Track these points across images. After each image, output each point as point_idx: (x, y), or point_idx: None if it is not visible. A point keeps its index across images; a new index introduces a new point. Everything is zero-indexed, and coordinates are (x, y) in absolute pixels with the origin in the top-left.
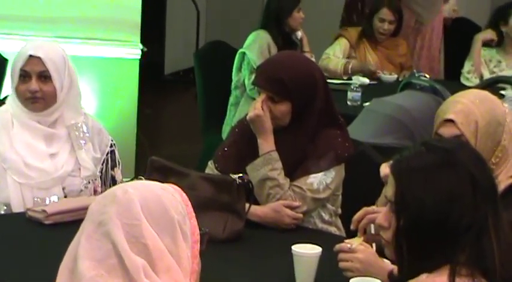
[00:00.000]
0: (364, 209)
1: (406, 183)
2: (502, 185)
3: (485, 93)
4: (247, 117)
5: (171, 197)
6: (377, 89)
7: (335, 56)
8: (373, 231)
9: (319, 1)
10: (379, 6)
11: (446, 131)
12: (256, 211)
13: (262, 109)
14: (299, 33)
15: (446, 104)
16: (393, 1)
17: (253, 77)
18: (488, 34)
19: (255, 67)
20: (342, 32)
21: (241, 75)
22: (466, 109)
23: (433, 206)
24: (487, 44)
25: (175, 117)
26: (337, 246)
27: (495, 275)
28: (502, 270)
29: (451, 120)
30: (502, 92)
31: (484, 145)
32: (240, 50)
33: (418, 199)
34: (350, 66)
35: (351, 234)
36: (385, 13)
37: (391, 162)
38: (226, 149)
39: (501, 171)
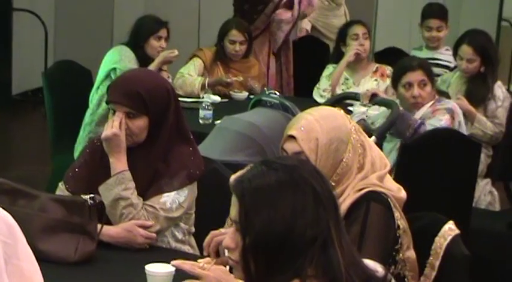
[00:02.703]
0: (211, 233)
1: (249, 203)
2: (348, 200)
3: (333, 111)
4: (102, 136)
5: None
6: (228, 107)
7: (189, 74)
8: (226, 253)
9: (178, 21)
10: (228, 29)
11: (289, 147)
12: (109, 231)
13: (120, 127)
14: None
15: (293, 120)
16: (241, 22)
17: None
18: (350, 57)
19: None
20: (197, 52)
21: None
22: (308, 126)
23: (278, 222)
24: (337, 61)
25: (24, 138)
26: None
27: None
28: (348, 277)
29: (293, 137)
30: (350, 108)
31: (324, 162)
32: (109, 67)
33: (262, 217)
34: (207, 82)
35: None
36: (235, 34)
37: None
38: (77, 169)
39: (346, 187)
